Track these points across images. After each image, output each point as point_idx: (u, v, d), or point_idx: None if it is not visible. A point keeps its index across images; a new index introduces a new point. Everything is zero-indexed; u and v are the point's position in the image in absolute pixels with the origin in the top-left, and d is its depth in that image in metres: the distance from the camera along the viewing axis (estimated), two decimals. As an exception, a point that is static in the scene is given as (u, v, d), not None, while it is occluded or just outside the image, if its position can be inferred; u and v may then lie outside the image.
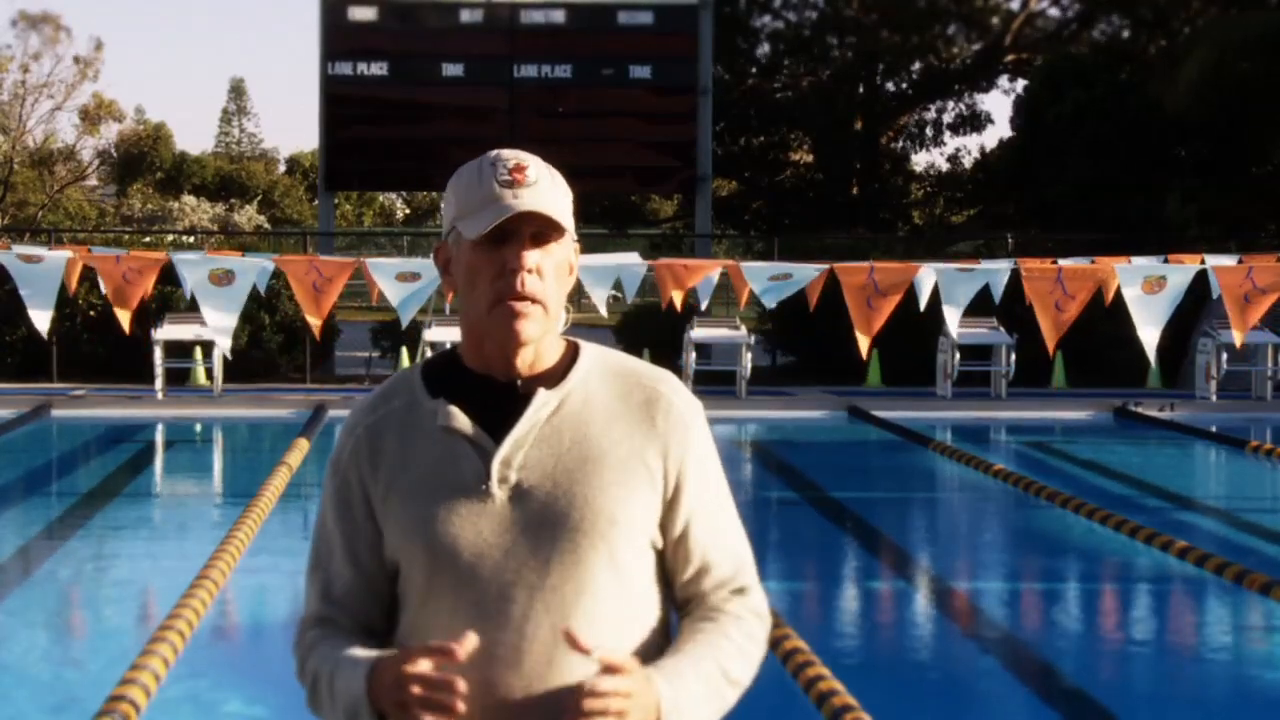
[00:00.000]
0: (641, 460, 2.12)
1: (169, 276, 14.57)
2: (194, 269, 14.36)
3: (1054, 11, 30.50)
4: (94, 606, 8.23)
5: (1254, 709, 6.37)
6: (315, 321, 14.52)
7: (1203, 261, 14.98)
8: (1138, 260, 15.80)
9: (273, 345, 19.63)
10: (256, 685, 6.51)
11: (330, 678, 2.11)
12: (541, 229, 2.12)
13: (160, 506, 11.60)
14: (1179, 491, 12.05)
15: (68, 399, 16.05)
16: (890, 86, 31.51)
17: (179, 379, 17.82)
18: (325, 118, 21.46)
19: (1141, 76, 24.90)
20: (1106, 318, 15.26)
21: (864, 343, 14.54)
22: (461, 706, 1.97)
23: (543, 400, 2.12)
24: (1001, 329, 17.23)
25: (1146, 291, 13.92)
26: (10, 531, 10.07)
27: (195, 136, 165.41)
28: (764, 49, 30.57)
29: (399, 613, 2.17)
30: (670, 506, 2.15)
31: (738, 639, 2.15)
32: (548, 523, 2.07)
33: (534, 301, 2.10)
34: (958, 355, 17.08)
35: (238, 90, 72.54)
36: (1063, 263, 15.08)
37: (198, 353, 17.98)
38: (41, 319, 14.19)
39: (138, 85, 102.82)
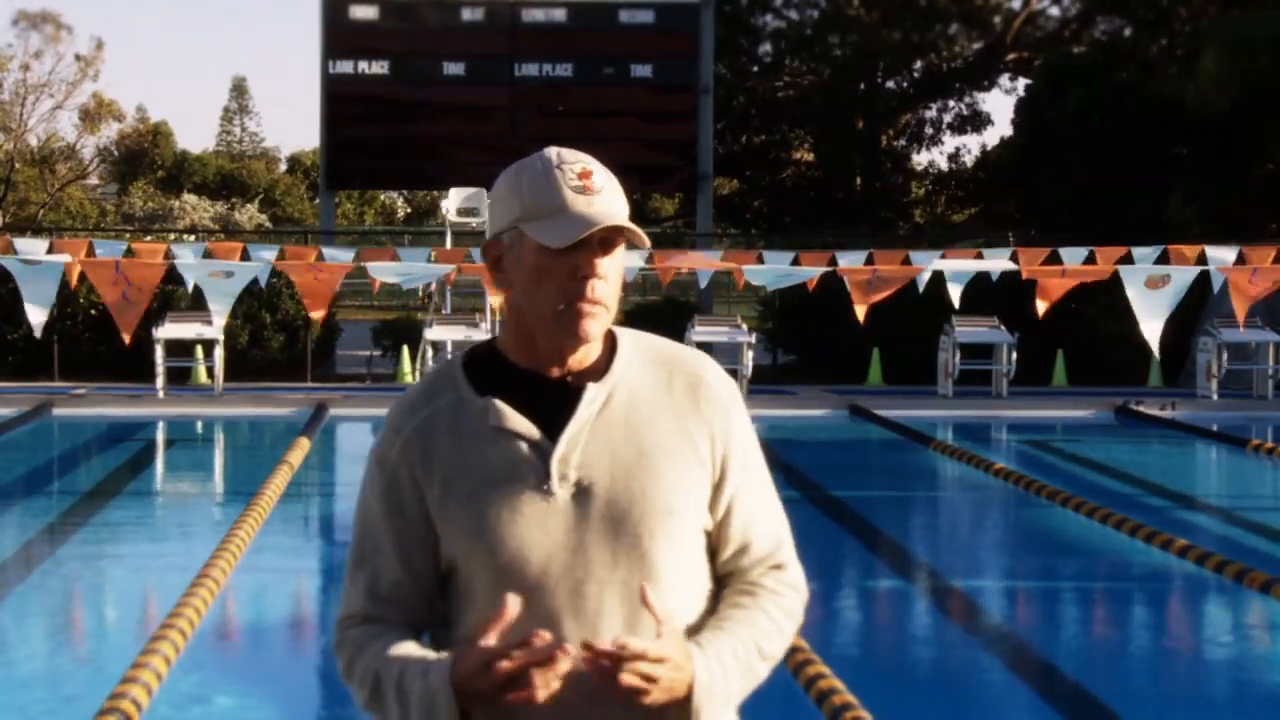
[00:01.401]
0: (691, 446, 2.16)
1: (170, 275, 14.55)
2: (195, 271, 14.25)
3: (1054, 11, 30.52)
4: (95, 605, 8.24)
5: (1254, 707, 6.37)
6: (317, 315, 14.43)
7: (1203, 254, 14.99)
8: (1139, 252, 15.82)
9: (273, 344, 19.64)
10: (258, 683, 6.51)
11: (398, 678, 2.09)
12: (610, 235, 2.15)
13: (161, 505, 11.60)
14: (1180, 490, 12.05)
15: (69, 398, 16.06)
16: (891, 85, 31.53)
17: (180, 378, 17.83)
18: (326, 116, 21.47)
19: (1142, 75, 24.90)
20: (1108, 316, 15.26)
21: (861, 310, 14.50)
22: (554, 679, 1.98)
23: (592, 395, 2.15)
24: (1002, 328, 17.24)
25: (1150, 288, 13.93)
26: (11, 530, 10.08)
27: (196, 135, 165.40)
28: (765, 47, 30.59)
29: (458, 613, 2.17)
30: (716, 488, 2.19)
31: (775, 615, 2.20)
32: (611, 517, 2.11)
33: (602, 305, 2.14)
34: (959, 354, 17.09)
35: (239, 89, 72.58)
36: (1063, 256, 15.11)
37: (199, 351, 17.99)
38: (37, 316, 14.10)
39: (139, 84, 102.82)
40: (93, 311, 18.96)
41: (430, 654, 2.11)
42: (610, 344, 2.22)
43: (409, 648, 2.12)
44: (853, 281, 14.38)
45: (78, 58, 41.73)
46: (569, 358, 2.17)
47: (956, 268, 15.05)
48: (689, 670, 2.04)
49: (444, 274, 15.37)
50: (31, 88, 41.63)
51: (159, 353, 16.57)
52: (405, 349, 19.29)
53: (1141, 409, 15.94)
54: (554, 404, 2.15)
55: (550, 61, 21.25)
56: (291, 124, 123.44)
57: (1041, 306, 14.19)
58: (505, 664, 1.97)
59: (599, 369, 2.18)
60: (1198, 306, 18.02)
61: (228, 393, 16.64)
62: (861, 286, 14.28)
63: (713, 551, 2.23)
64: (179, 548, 9.41)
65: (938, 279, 14.93)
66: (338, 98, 21.32)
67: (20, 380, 18.18)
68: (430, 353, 17.24)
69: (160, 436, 15.22)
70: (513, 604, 2.01)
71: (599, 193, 2.14)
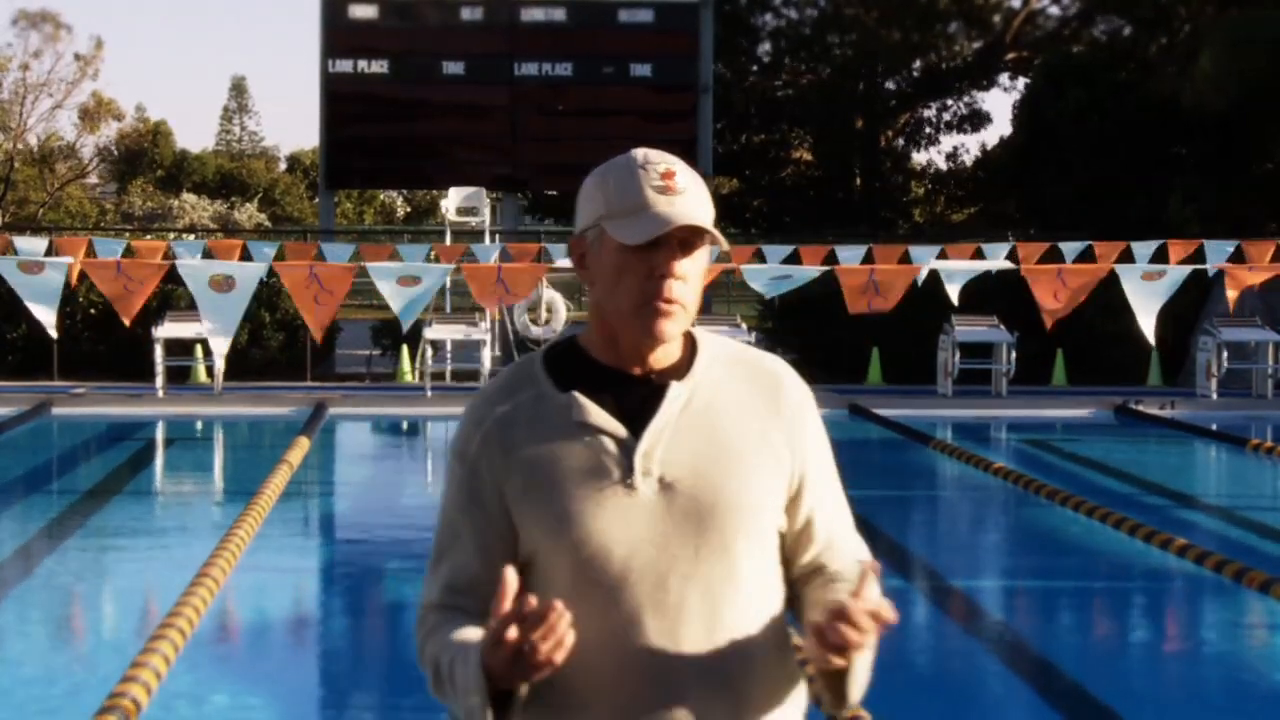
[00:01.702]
0: (771, 449, 2.19)
1: (169, 274, 14.52)
2: (195, 276, 13.91)
3: (1054, 10, 30.51)
4: (95, 604, 8.24)
5: (1253, 706, 6.38)
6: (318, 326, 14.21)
7: (1201, 248, 15.00)
8: (1138, 248, 15.81)
9: (273, 343, 19.63)
10: (257, 683, 6.51)
11: (450, 665, 2.12)
12: (690, 236, 2.17)
13: (161, 505, 11.60)
14: (1179, 489, 12.05)
15: (68, 397, 16.06)
16: (891, 85, 31.52)
17: (179, 377, 17.83)
18: (326, 115, 21.47)
19: (1142, 75, 24.89)
20: (1106, 315, 15.27)
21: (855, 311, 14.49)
22: (566, 634, 1.96)
23: (676, 393, 2.18)
24: (1002, 327, 17.24)
25: (1146, 280, 13.98)
26: (11, 530, 10.08)
27: (196, 134, 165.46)
28: (765, 47, 30.59)
29: None
30: (796, 492, 2.22)
31: None
32: (694, 514, 2.13)
33: (679, 304, 2.16)
34: (958, 353, 17.09)
35: (238, 88, 72.62)
36: (1064, 250, 15.08)
37: (198, 350, 17.99)
38: (46, 316, 13.87)
39: (138, 83, 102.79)
40: (92, 311, 18.96)
41: (480, 635, 2.10)
42: (690, 344, 2.25)
43: (471, 633, 2.12)
44: (848, 286, 14.32)
45: (77, 57, 41.74)
46: (649, 356, 2.19)
47: (955, 268, 15.03)
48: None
49: (435, 290, 14.94)
50: (31, 87, 41.64)
51: (158, 352, 16.57)
52: (405, 348, 19.29)
53: (1141, 408, 15.95)
54: (637, 400, 2.17)
55: (550, 61, 21.25)
56: (291, 123, 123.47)
57: (1048, 320, 14.12)
58: (510, 634, 1.96)
59: (681, 368, 2.21)
60: (1197, 305, 18.02)
61: (227, 392, 16.64)
62: (857, 291, 14.25)
63: (790, 555, 2.25)
64: (178, 547, 9.40)
65: (937, 276, 14.92)
66: (337, 97, 21.31)
67: (19, 379, 18.18)
68: (430, 352, 17.23)
69: (160, 436, 15.22)
70: (511, 578, 1.99)
71: (681, 193, 2.16)
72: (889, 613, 2.03)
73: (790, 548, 2.24)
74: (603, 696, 2.09)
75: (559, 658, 1.97)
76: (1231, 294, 14.46)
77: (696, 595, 2.11)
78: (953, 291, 14.78)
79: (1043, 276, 14.14)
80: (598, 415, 2.16)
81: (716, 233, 2.17)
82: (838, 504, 2.30)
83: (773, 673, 2.18)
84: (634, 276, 2.14)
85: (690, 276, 2.17)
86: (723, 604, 2.12)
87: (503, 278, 13.74)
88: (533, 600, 1.96)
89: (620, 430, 2.15)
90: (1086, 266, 14.74)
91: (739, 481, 2.15)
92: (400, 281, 14.19)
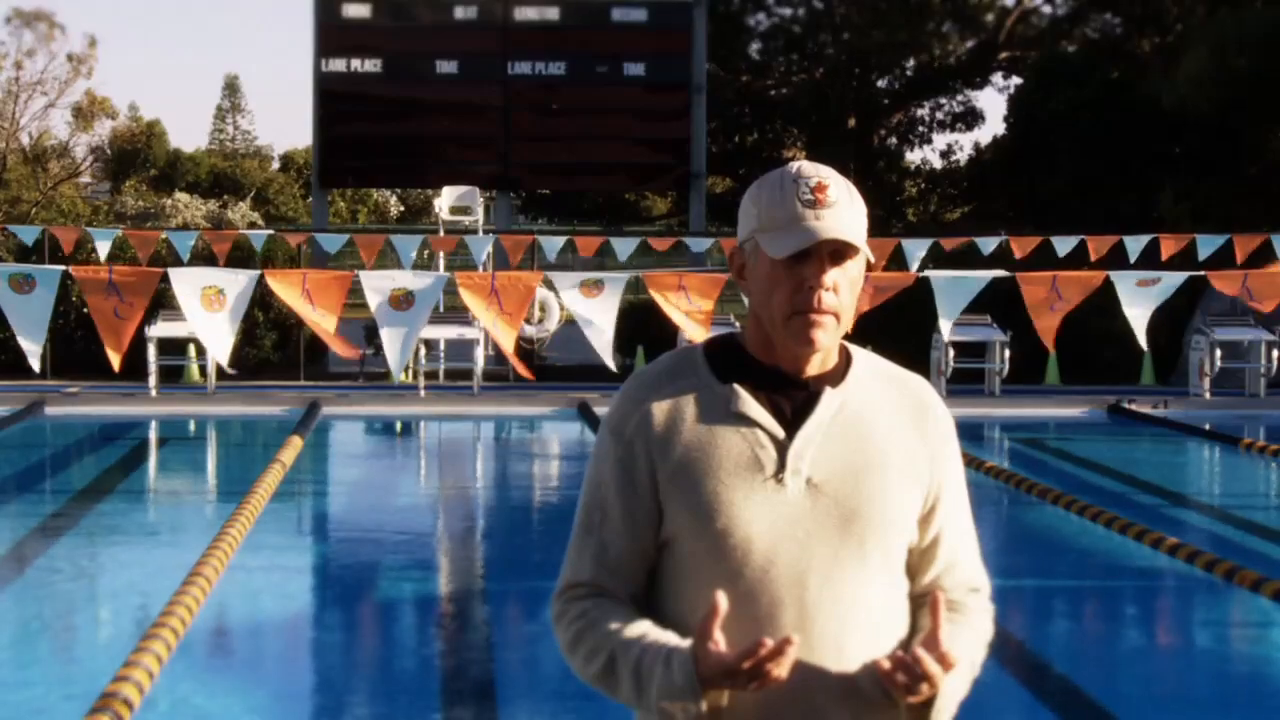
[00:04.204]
0: (913, 465, 2.26)
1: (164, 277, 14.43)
2: (187, 288, 13.33)
3: (1047, 9, 30.54)
4: (87, 604, 8.23)
5: (1243, 705, 6.39)
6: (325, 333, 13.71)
7: (1193, 242, 14.96)
8: (1128, 241, 15.76)
9: (266, 343, 19.61)
10: (250, 683, 6.51)
11: (636, 661, 2.17)
12: (841, 248, 2.23)
13: (154, 504, 11.58)
14: (1172, 488, 12.06)
15: (60, 396, 16.03)
16: (883, 84, 31.53)
17: (172, 376, 17.80)
18: (319, 115, 21.45)
19: (1134, 74, 24.91)
20: (1100, 315, 15.27)
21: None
22: (786, 664, 2.07)
23: (831, 399, 2.25)
24: (995, 326, 17.24)
25: (1140, 286, 13.95)
26: (2, 530, 10.06)
27: (189, 134, 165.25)
28: (757, 46, 30.59)
29: (673, 586, 2.24)
30: (930, 508, 2.29)
31: (980, 630, 2.33)
32: (837, 517, 2.20)
33: (831, 315, 2.22)
34: (951, 352, 17.09)
35: (232, 87, 72.50)
36: (1055, 245, 15.03)
37: (191, 350, 17.96)
38: (33, 343, 13.08)
39: (131, 82, 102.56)
40: (85, 310, 18.91)
41: (666, 638, 2.16)
42: (845, 355, 2.32)
43: (643, 627, 2.19)
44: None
45: (71, 57, 41.67)
46: (804, 364, 2.26)
47: (947, 277, 14.86)
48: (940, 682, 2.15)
49: (428, 314, 14.34)
50: (24, 86, 41.57)
51: (151, 351, 16.54)
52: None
53: (1134, 407, 15.96)
54: (793, 402, 2.24)
55: (543, 60, 21.25)
56: (284, 122, 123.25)
57: (1045, 337, 14.00)
58: (746, 664, 2.06)
59: (835, 376, 2.28)
60: (1190, 305, 18.04)
61: (220, 391, 16.62)
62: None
63: (914, 571, 2.31)
64: (171, 547, 9.39)
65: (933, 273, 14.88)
66: (330, 96, 21.30)
67: (12, 379, 18.15)
68: (423, 351, 17.21)
69: (152, 435, 15.20)
70: (722, 601, 2.09)
71: (830, 206, 2.22)
72: (952, 659, 2.12)
73: (915, 564, 2.31)
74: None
75: (780, 675, 2.08)
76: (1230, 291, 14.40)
77: (832, 595, 2.18)
78: (944, 301, 14.49)
79: (1037, 285, 13.94)
80: (756, 410, 2.23)
81: (864, 247, 2.24)
82: (964, 531, 2.36)
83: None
84: (785, 288, 2.22)
85: (842, 287, 2.23)
86: (856, 607, 2.19)
87: (496, 288, 13.36)
88: (768, 642, 2.05)
89: (776, 427, 2.22)
90: (1081, 275, 14.64)
91: (882, 492, 2.22)
92: (393, 300, 13.52)
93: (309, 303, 12.99)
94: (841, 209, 2.22)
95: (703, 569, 2.19)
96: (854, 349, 2.34)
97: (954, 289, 14.46)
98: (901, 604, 2.27)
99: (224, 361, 13.69)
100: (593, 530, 2.27)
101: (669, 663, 2.12)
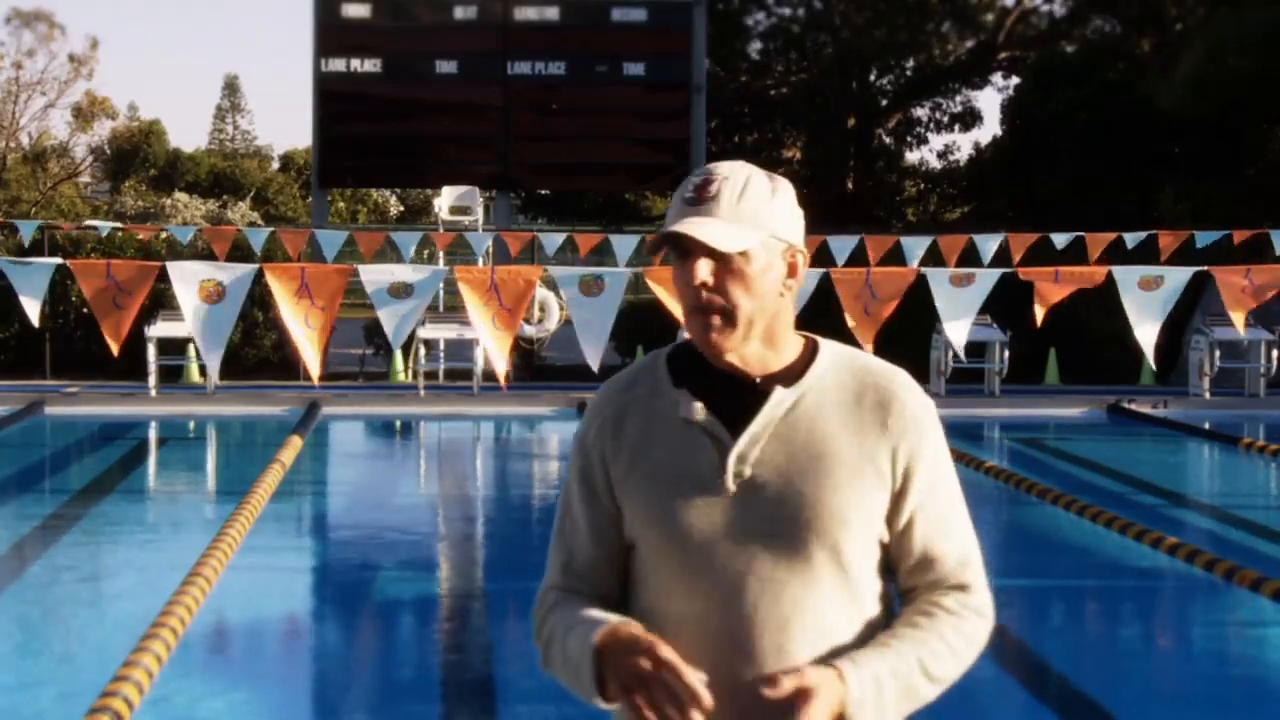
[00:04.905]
0: (871, 462, 2.20)
1: (161, 274, 14.41)
2: (186, 286, 13.31)
3: (1046, 9, 30.53)
4: (87, 604, 8.22)
5: (1243, 705, 6.39)
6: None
7: (1192, 238, 14.92)
8: (1127, 237, 15.73)
9: (265, 343, 19.61)
10: (249, 683, 6.51)
11: (564, 635, 2.21)
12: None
13: (153, 504, 11.58)
14: (1171, 488, 12.07)
15: (60, 396, 16.04)
16: (883, 84, 31.53)
17: (172, 376, 17.80)
18: (319, 115, 21.42)
19: (1133, 74, 24.91)
20: (1100, 315, 15.26)
21: (868, 348, 14.46)
22: (698, 717, 2.03)
23: (779, 398, 2.20)
24: (995, 325, 17.24)
25: (1143, 289, 13.85)
26: (2, 530, 10.06)
27: (189, 134, 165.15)
28: (757, 45, 30.59)
29: (634, 591, 2.27)
30: (896, 502, 2.22)
31: (949, 637, 2.21)
32: (778, 518, 2.16)
33: (717, 312, 2.17)
34: (951, 352, 17.08)
35: (231, 87, 72.52)
36: (1055, 241, 15.00)
37: (191, 350, 17.96)
38: (33, 307, 13.66)
39: (131, 82, 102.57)
40: (85, 309, 18.92)
41: (603, 616, 2.18)
42: (811, 352, 2.27)
43: (589, 612, 2.21)
44: (846, 294, 14.20)
45: (72, 58, 41.67)
46: (748, 364, 2.22)
47: (948, 278, 14.83)
48: (840, 690, 2.08)
49: (427, 304, 14.46)
50: (24, 86, 41.57)
51: (151, 351, 16.54)
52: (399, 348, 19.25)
53: (1133, 407, 15.96)
54: (742, 403, 2.21)
55: (543, 60, 21.22)
56: (284, 122, 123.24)
57: (1039, 312, 14.02)
58: (644, 663, 2.05)
59: (792, 374, 2.23)
60: (1190, 305, 18.03)
61: (220, 391, 16.62)
62: (853, 296, 14.15)
63: (893, 566, 2.27)
64: (171, 547, 9.40)
65: (932, 272, 14.84)
66: (330, 96, 21.27)
67: (12, 378, 18.15)
68: (423, 351, 17.21)
69: (152, 435, 15.20)
70: (706, 698, 2.05)
71: (707, 201, 2.18)
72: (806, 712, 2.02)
73: (892, 560, 2.27)
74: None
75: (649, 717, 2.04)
76: (1236, 310, 14.29)
77: (770, 599, 2.15)
78: (942, 301, 14.40)
79: (1039, 276, 14.03)
80: (700, 412, 2.21)
81: (691, 234, 2.14)
82: (945, 525, 2.26)
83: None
84: (679, 287, 2.22)
85: (728, 283, 2.17)
86: (800, 611, 2.15)
87: (495, 283, 13.39)
88: (701, 678, 2.03)
89: (720, 429, 2.19)
90: (1083, 270, 14.66)
91: (829, 492, 2.16)
92: (391, 290, 13.58)
93: (306, 298, 12.98)
94: (721, 204, 2.17)
95: (656, 571, 2.21)
96: (824, 344, 2.29)
97: (962, 298, 14.38)
98: (870, 603, 2.22)
99: (213, 370, 13.42)
100: (562, 538, 2.32)
101: (587, 632, 2.15)
